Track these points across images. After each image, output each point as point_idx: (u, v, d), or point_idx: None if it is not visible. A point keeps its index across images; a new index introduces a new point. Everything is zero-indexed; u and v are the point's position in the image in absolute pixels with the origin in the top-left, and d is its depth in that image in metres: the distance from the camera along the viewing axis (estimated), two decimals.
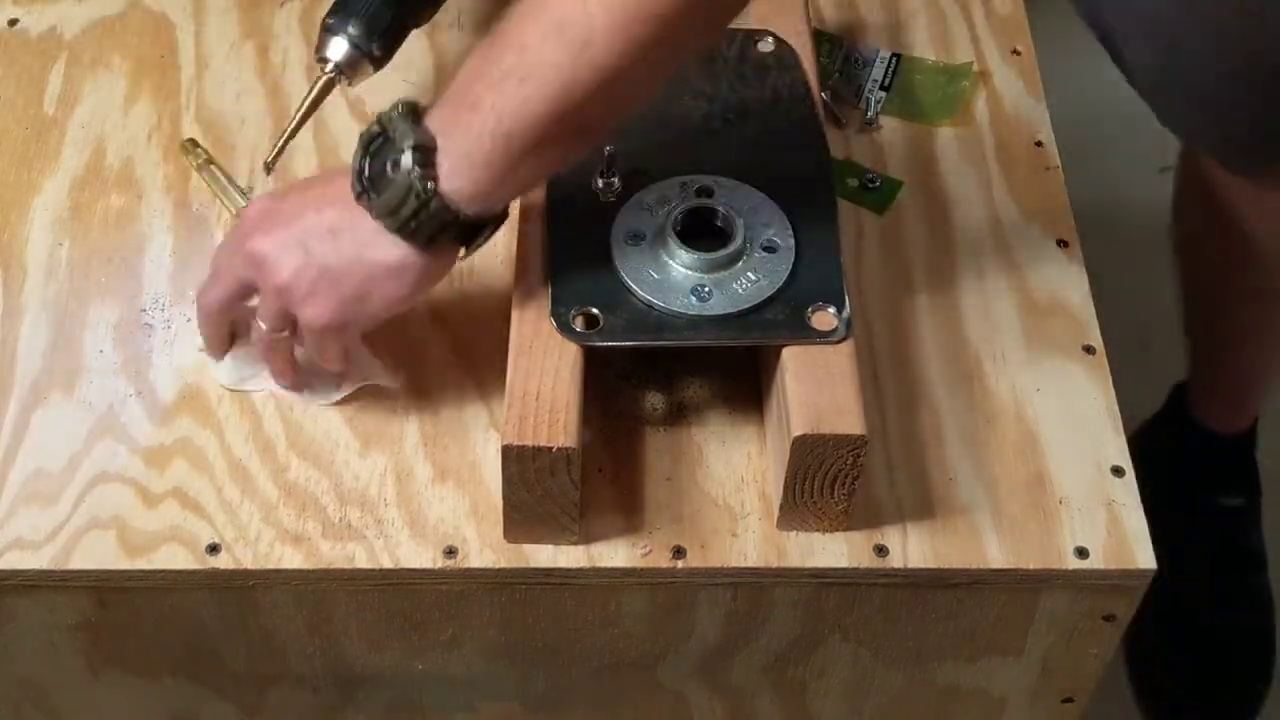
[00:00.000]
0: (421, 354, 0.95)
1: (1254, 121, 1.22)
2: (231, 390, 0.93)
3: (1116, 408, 0.95)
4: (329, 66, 0.98)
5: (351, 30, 0.96)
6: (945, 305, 0.99)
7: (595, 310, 0.87)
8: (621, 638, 0.92)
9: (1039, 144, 1.08)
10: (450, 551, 0.88)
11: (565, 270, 0.89)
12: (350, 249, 0.84)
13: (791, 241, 0.90)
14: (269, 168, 1.02)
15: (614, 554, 0.88)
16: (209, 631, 0.92)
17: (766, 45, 1.01)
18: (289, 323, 0.87)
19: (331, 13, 0.97)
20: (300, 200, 0.86)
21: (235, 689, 0.97)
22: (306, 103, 0.99)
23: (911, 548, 0.88)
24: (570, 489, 0.85)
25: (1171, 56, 1.20)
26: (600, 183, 0.92)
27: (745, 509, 0.90)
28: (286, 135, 1.00)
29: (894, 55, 1.12)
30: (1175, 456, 1.56)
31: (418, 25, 1.00)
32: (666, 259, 0.89)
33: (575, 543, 0.88)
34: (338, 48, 0.97)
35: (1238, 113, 1.21)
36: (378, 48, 0.97)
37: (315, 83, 0.98)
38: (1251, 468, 1.58)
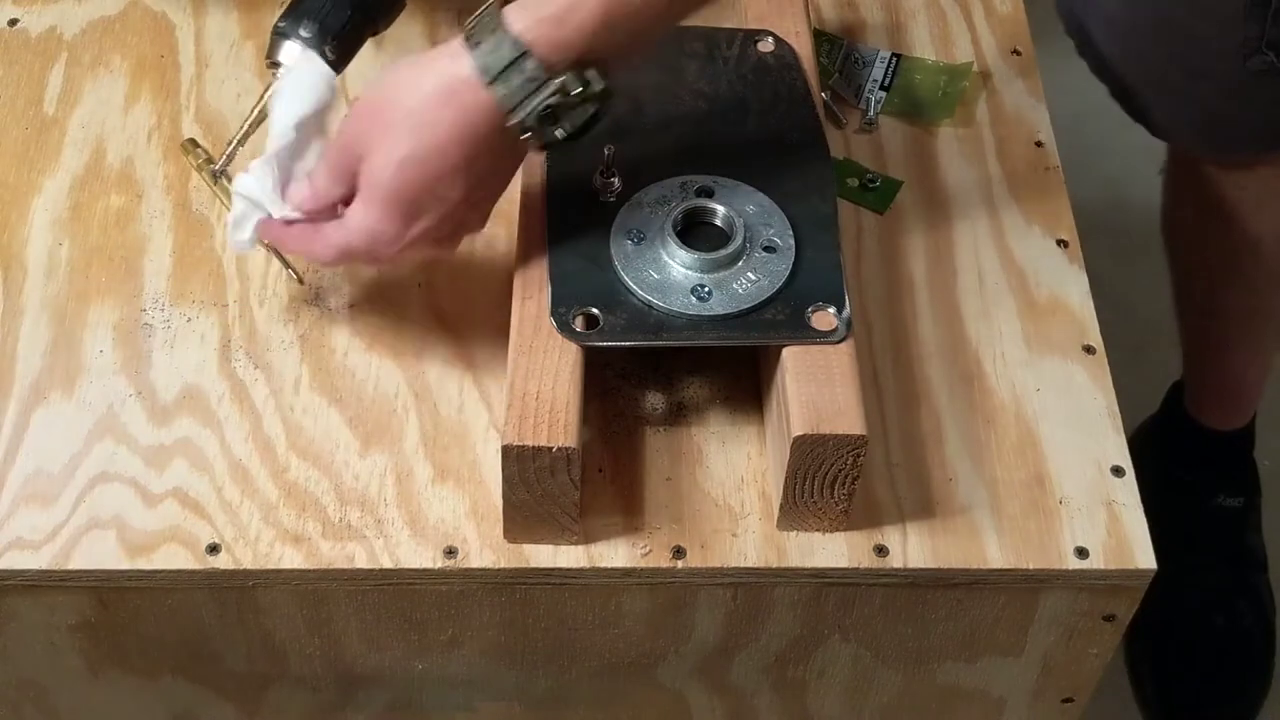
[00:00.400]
0: (421, 354, 0.95)
1: (1223, 117, 1.23)
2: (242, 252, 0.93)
3: (1116, 408, 0.95)
4: (280, 71, 0.95)
5: (304, 33, 0.94)
6: (945, 305, 0.99)
7: (595, 310, 0.87)
8: (621, 638, 0.92)
9: (1039, 144, 1.08)
10: (450, 551, 0.88)
11: (565, 270, 0.89)
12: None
13: (791, 241, 0.90)
14: (217, 175, 1.00)
15: (614, 554, 0.88)
16: (209, 631, 0.92)
17: (766, 45, 1.01)
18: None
19: (282, 17, 0.95)
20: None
21: (235, 689, 0.97)
22: (256, 111, 0.96)
23: (911, 548, 0.88)
24: (570, 489, 0.85)
25: (1133, 60, 1.22)
26: (600, 182, 0.92)
27: (745, 509, 0.90)
28: (236, 141, 0.98)
29: (894, 55, 1.12)
30: (1174, 456, 1.56)
31: (375, 33, 0.97)
32: (666, 259, 0.89)
33: (575, 543, 0.88)
34: (290, 52, 0.94)
35: (1209, 107, 1.22)
36: (331, 51, 0.94)
37: (266, 90, 0.95)
38: (1250, 467, 1.58)
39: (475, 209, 0.88)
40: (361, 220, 0.87)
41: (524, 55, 0.82)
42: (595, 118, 0.84)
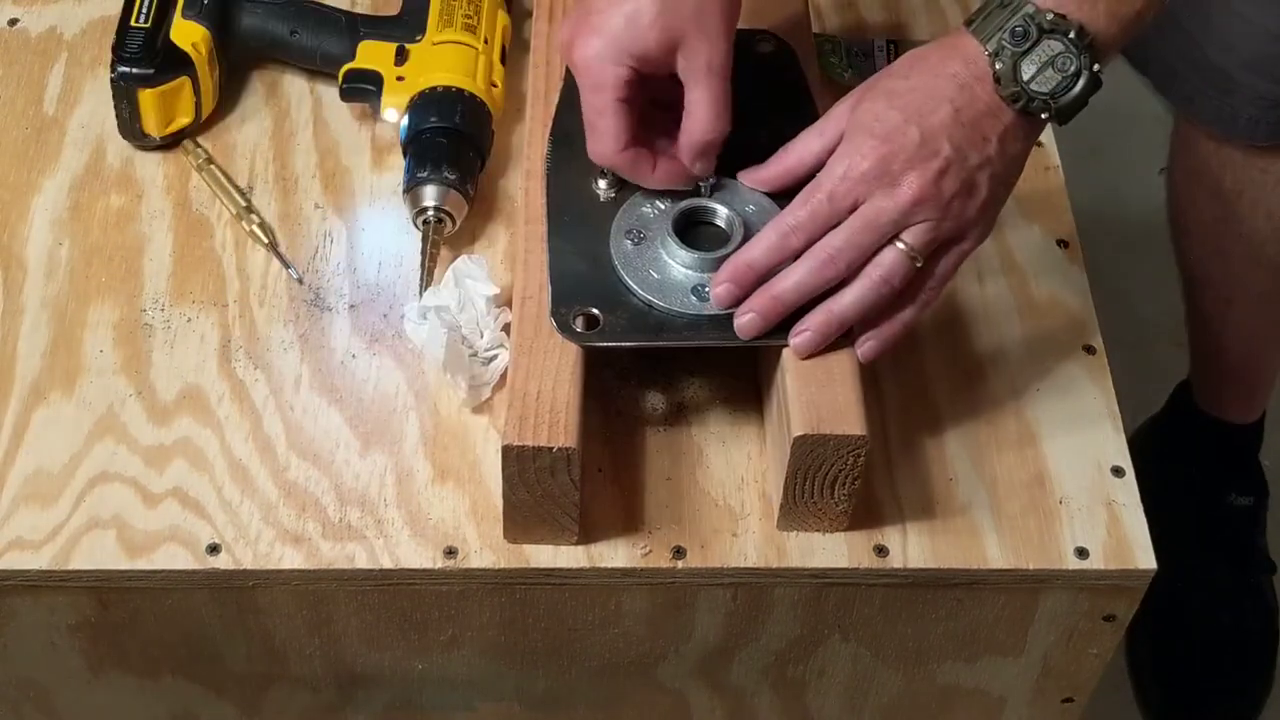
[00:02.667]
0: (421, 354, 0.95)
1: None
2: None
3: (1116, 408, 0.95)
4: (430, 214, 0.98)
5: (449, 176, 0.98)
6: (945, 305, 0.98)
7: (595, 310, 0.87)
8: (621, 638, 0.92)
9: (1039, 144, 1.08)
10: (450, 551, 0.88)
11: (565, 270, 0.89)
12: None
13: None
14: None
15: (614, 554, 0.88)
16: (209, 631, 0.92)
17: (766, 45, 1.01)
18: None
19: (419, 168, 0.98)
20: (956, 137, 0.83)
21: (235, 689, 0.97)
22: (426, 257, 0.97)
23: (911, 548, 0.88)
24: (570, 489, 0.85)
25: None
26: (600, 183, 0.92)
27: (745, 509, 0.90)
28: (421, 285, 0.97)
29: (889, 42, 1.11)
30: (1185, 453, 1.56)
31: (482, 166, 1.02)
32: (666, 259, 0.89)
33: (575, 543, 0.88)
34: (433, 195, 0.98)
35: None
36: (471, 187, 0.99)
37: (426, 240, 0.98)
38: (1259, 466, 1.58)
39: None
40: (959, 260, 0.86)
41: (1095, 77, 0.82)
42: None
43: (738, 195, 0.92)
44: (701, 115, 0.88)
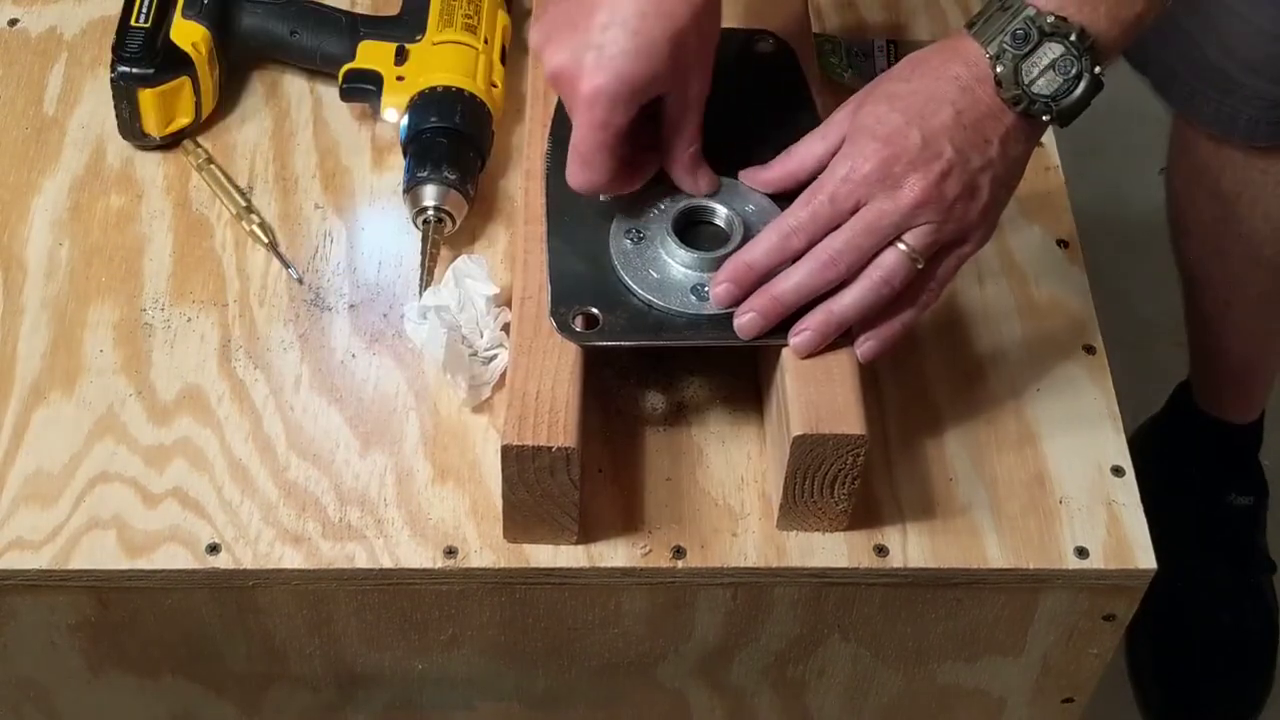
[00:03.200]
0: (421, 354, 0.95)
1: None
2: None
3: (1116, 408, 0.95)
4: (430, 214, 0.98)
5: (449, 176, 0.98)
6: (945, 305, 0.98)
7: (595, 310, 0.87)
8: (621, 638, 0.92)
9: (1039, 144, 1.08)
10: (450, 551, 0.88)
11: (565, 270, 0.89)
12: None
13: None
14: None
15: (614, 554, 0.88)
16: (209, 631, 0.92)
17: (766, 45, 1.01)
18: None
19: (418, 167, 0.98)
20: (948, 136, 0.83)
21: (235, 689, 0.97)
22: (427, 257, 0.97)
23: (911, 548, 0.88)
24: (570, 489, 0.85)
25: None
26: None
27: (745, 509, 0.90)
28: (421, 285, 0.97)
29: (889, 42, 1.11)
30: (1185, 453, 1.56)
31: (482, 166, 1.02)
32: (666, 258, 0.89)
33: (575, 543, 0.88)
34: (432, 195, 0.98)
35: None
36: (471, 187, 0.99)
37: (426, 240, 0.98)
38: (1259, 466, 1.58)
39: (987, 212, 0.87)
40: (960, 262, 0.86)
41: (1096, 79, 0.83)
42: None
43: (738, 195, 0.92)
44: (688, 133, 0.88)
